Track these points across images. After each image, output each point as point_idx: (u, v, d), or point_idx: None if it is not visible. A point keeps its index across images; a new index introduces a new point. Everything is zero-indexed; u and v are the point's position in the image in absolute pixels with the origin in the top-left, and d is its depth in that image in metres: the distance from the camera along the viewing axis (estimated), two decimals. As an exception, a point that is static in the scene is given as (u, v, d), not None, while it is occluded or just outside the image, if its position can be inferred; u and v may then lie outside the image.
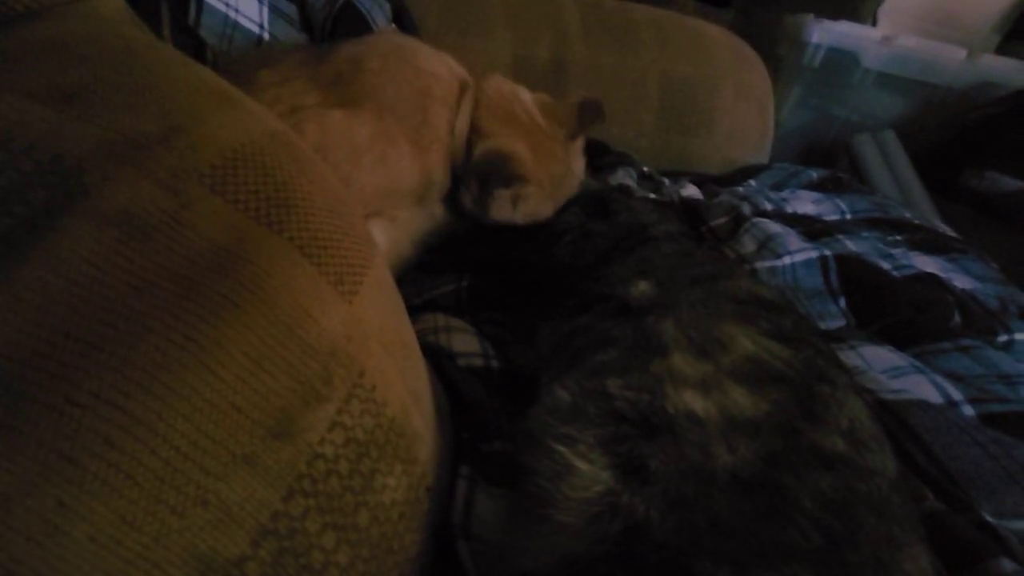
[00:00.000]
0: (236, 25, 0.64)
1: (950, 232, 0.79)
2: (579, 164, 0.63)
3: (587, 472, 0.28)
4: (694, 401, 0.32)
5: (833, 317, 0.56)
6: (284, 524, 0.19)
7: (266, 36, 0.69)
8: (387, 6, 0.89)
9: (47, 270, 0.19)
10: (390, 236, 0.54)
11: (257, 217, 0.26)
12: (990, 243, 0.80)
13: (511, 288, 0.53)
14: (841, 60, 1.29)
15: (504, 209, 0.56)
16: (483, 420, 0.39)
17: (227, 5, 0.63)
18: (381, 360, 0.27)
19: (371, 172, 0.52)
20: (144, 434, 0.17)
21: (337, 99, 0.52)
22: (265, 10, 0.70)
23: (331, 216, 0.30)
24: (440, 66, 0.59)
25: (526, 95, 0.62)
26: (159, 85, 0.27)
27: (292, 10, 0.76)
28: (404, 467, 0.26)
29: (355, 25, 0.82)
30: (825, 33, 1.24)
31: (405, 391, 0.28)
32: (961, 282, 0.62)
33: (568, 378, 0.36)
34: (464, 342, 0.46)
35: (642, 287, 0.42)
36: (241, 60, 0.56)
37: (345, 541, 0.21)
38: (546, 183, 0.57)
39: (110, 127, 0.23)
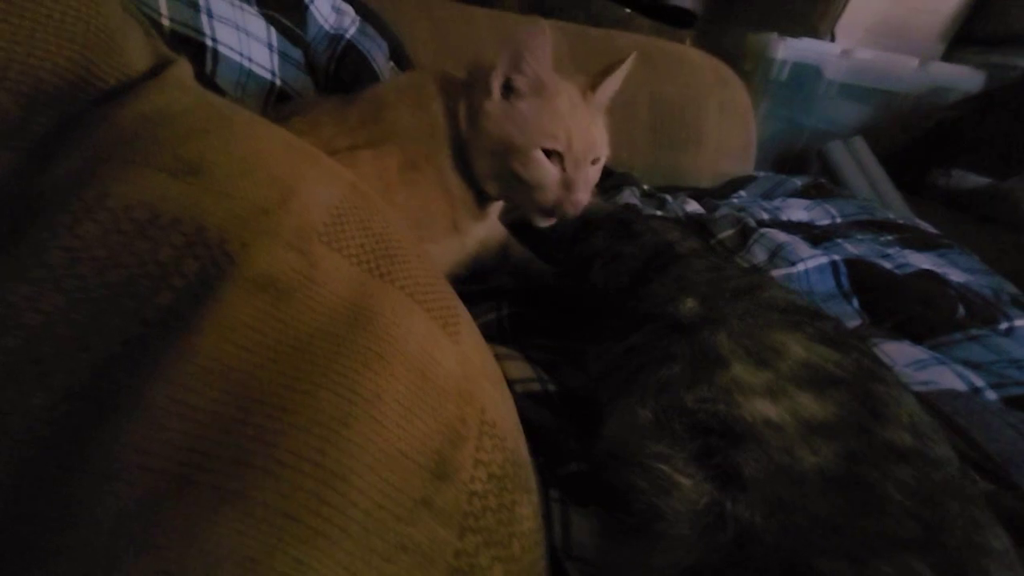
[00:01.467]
0: (250, 73, 0.66)
1: (932, 229, 0.85)
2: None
3: (691, 486, 0.29)
4: (767, 408, 0.34)
5: (850, 318, 0.59)
6: (465, 561, 0.20)
7: (278, 82, 0.70)
8: (385, 45, 0.91)
9: (220, 339, 0.20)
10: None
11: (371, 270, 0.27)
12: (962, 237, 0.87)
13: (552, 314, 0.55)
14: (806, 73, 1.37)
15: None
16: (555, 444, 0.40)
17: (241, 55, 0.65)
18: (492, 395, 0.28)
19: (406, 204, 0.53)
20: (344, 488, 0.18)
21: (364, 139, 0.54)
22: (275, 56, 0.71)
23: (421, 261, 0.32)
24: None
25: None
26: (261, 149, 0.28)
27: (298, 54, 0.77)
28: (528, 496, 0.27)
29: (357, 65, 0.84)
30: (789, 49, 1.33)
31: (512, 422, 0.30)
32: (955, 275, 0.67)
33: (641, 395, 0.37)
34: (518, 368, 0.48)
35: (689, 304, 0.44)
36: (273, 112, 0.57)
37: (509, 573, 0.22)
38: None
39: (235, 195, 0.25)
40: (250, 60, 0.66)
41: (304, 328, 0.22)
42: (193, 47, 0.58)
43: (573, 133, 0.51)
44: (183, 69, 0.34)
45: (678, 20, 1.64)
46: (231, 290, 0.21)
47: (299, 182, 0.27)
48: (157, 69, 0.32)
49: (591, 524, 0.34)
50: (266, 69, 0.69)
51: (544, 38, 0.48)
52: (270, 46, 0.70)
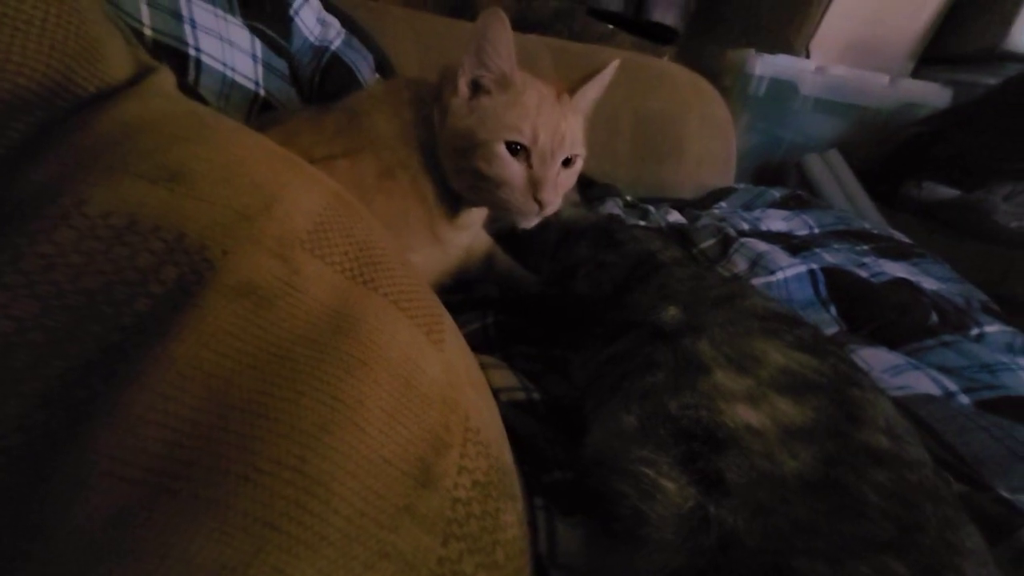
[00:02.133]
0: (234, 83, 0.65)
1: (905, 239, 0.88)
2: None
3: (675, 490, 0.30)
4: (748, 414, 0.34)
5: (827, 325, 0.61)
6: (448, 568, 0.20)
7: (261, 92, 0.70)
8: (370, 57, 0.92)
9: (200, 346, 0.20)
10: None
11: (353, 277, 0.27)
12: (933, 246, 0.89)
13: (537, 323, 0.55)
14: (782, 89, 1.41)
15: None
16: (540, 452, 0.40)
17: (224, 65, 0.65)
18: (476, 402, 0.28)
19: (383, 212, 0.52)
20: (326, 495, 0.18)
21: (341, 148, 0.53)
22: (259, 67, 0.71)
23: (405, 269, 0.32)
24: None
25: None
26: (243, 157, 0.28)
27: (283, 65, 0.77)
28: (512, 503, 0.27)
29: (342, 77, 0.85)
30: (767, 65, 1.37)
31: (496, 429, 0.30)
32: (928, 284, 0.69)
33: (625, 402, 0.38)
34: (502, 377, 0.48)
35: (671, 312, 0.45)
36: (255, 122, 0.57)
37: (493, 580, 0.22)
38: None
39: (217, 202, 0.24)
40: (233, 70, 0.66)
41: (286, 335, 0.22)
42: (176, 57, 0.58)
43: (540, 128, 0.49)
44: (165, 77, 0.34)
45: (659, 36, 1.67)
46: (211, 297, 0.21)
47: (282, 189, 0.27)
48: (138, 77, 0.32)
49: (577, 532, 0.34)
50: (250, 79, 0.68)
51: (502, 25, 0.47)
52: (254, 57, 0.70)
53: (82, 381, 0.18)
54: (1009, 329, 0.61)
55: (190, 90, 0.60)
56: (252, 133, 0.32)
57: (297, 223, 0.26)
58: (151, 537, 0.15)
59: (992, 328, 0.61)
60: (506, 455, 0.29)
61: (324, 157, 0.52)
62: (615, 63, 0.56)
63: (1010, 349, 0.59)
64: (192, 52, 0.59)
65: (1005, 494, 0.39)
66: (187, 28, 0.59)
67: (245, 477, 0.17)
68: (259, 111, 0.69)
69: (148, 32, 0.55)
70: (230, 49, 0.66)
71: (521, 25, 1.45)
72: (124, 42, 0.35)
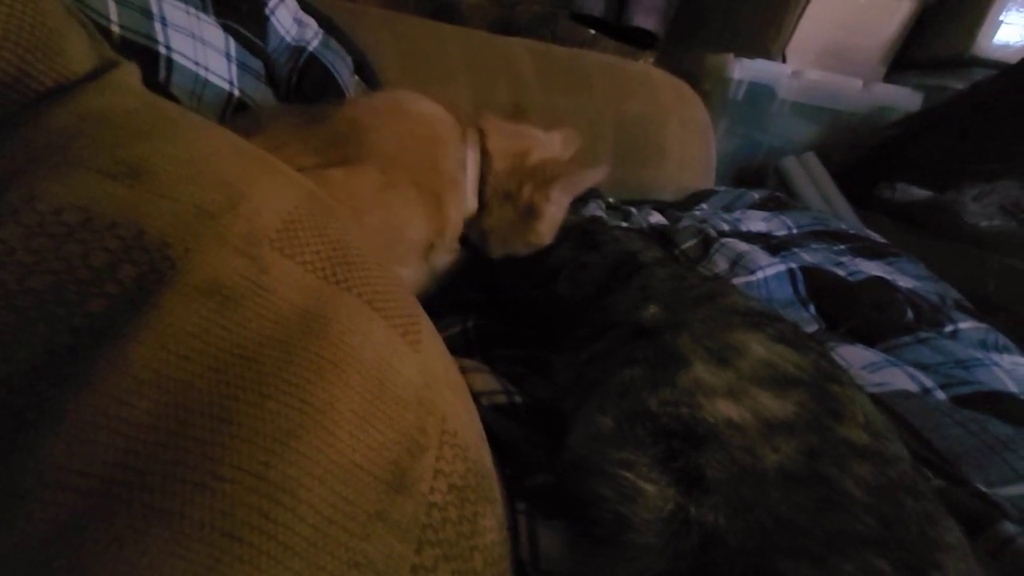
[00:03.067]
0: (206, 83, 0.64)
1: (881, 239, 0.89)
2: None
3: (655, 492, 0.29)
4: (728, 409, 0.34)
5: (807, 323, 0.61)
6: (423, 576, 0.19)
7: (236, 92, 0.68)
8: (349, 59, 0.91)
9: (158, 348, 0.19)
10: None
11: (325, 277, 0.26)
12: (908, 246, 0.91)
13: (518, 325, 0.55)
14: (760, 93, 1.44)
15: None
16: (523, 456, 0.39)
17: (196, 64, 0.63)
18: (454, 404, 0.28)
19: (380, 225, 0.52)
20: (291, 502, 0.17)
21: (337, 158, 0.52)
22: (234, 67, 0.70)
23: (381, 269, 0.31)
24: (440, 111, 0.60)
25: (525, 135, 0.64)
26: (209, 154, 0.27)
27: (258, 64, 0.76)
28: (492, 507, 0.26)
29: (320, 78, 0.83)
30: (745, 70, 1.39)
31: (475, 432, 0.29)
32: (904, 282, 0.70)
33: (602, 402, 0.37)
34: (484, 381, 0.47)
35: (652, 310, 0.45)
36: (231, 124, 0.56)
37: (471, 587, 0.21)
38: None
39: (180, 198, 0.23)
40: (206, 69, 0.64)
41: (252, 336, 0.21)
42: (146, 55, 0.57)
43: None
44: (129, 72, 0.32)
45: (640, 41, 1.69)
46: (172, 297, 0.20)
47: (250, 187, 0.26)
48: (99, 71, 0.30)
49: (559, 537, 0.33)
50: (223, 79, 0.67)
51: None
52: (228, 56, 0.69)
53: (28, 387, 0.17)
54: (982, 325, 0.63)
55: (161, 89, 0.58)
56: (220, 129, 0.31)
57: (266, 221, 0.25)
58: (99, 552, 0.14)
59: (966, 325, 0.62)
60: (485, 458, 0.29)
61: (315, 166, 0.51)
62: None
63: (983, 345, 0.60)
64: (163, 50, 0.58)
65: (982, 488, 0.39)
66: (157, 26, 0.57)
67: (203, 485, 0.16)
68: (234, 111, 0.68)
69: (116, 29, 0.54)
70: (203, 48, 0.64)
71: (504, 31, 1.45)
72: (86, 36, 0.34)
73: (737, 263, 0.67)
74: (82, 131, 0.24)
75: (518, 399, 0.47)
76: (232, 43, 0.70)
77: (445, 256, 0.59)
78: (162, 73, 0.58)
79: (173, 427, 0.17)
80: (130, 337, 0.18)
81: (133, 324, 0.19)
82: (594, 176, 0.64)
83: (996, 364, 0.54)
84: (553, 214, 0.60)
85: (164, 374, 0.18)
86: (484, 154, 0.59)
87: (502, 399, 0.46)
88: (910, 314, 0.61)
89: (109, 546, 0.14)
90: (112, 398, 0.17)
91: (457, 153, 0.57)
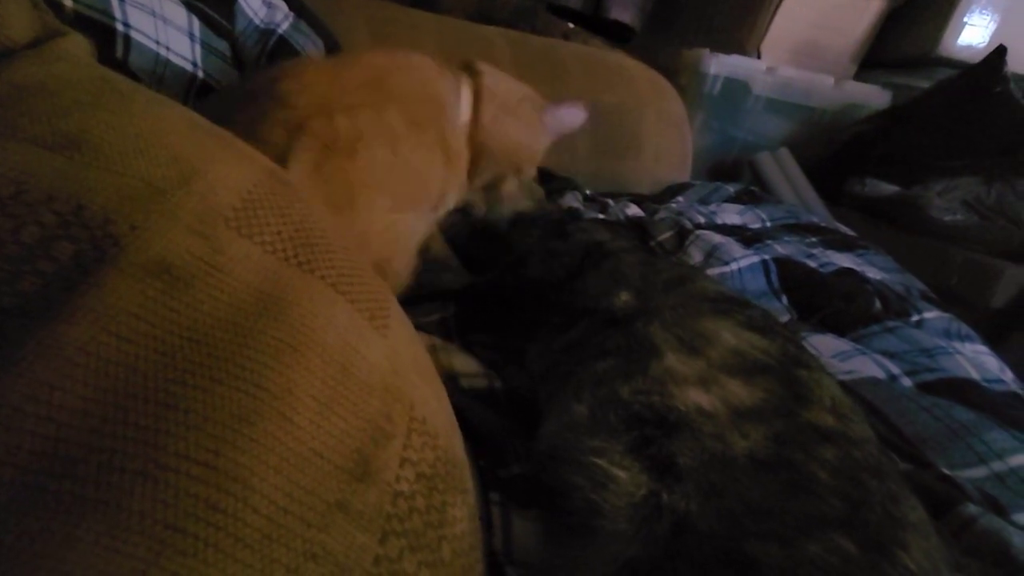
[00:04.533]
0: (168, 63, 0.61)
1: (850, 232, 0.91)
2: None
3: (627, 479, 0.29)
4: (699, 397, 0.34)
5: (779, 313, 0.62)
6: (386, 568, 0.18)
7: (200, 74, 0.66)
8: (320, 42, 0.88)
9: (97, 329, 0.17)
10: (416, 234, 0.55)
11: (287, 258, 0.25)
12: (876, 239, 0.94)
13: (495, 313, 0.54)
14: (735, 88, 1.45)
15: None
16: (498, 445, 0.39)
17: (157, 43, 0.60)
18: (423, 391, 0.27)
19: (415, 159, 0.53)
20: (243, 491, 0.16)
21: (365, 100, 0.52)
22: (197, 47, 0.67)
23: (347, 252, 0.30)
24: (436, 73, 0.61)
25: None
26: (160, 128, 0.26)
27: (224, 46, 0.73)
28: (462, 497, 0.25)
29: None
30: (721, 65, 1.40)
31: (445, 419, 0.28)
32: (872, 273, 0.72)
33: (577, 391, 0.37)
34: (464, 362, 0.46)
35: (624, 297, 0.45)
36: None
37: (437, 578, 0.20)
38: None
39: (126, 173, 0.22)
40: (168, 49, 0.61)
41: (204, 318, 0.20)
42: (102, 32, 0.54)
43: None
44: (75, 43, 0.30)
45: (617, 35, 1.69)
46: (114, 276, 0.19)
47: (205, 163, 0.25)
48: (41, 40, 0.28)
49: (533, 526, 0.33)
50: (186, 59, 0.64)
51: None
52: (191, 36, 0.66)
53: (-53, 371, 0.15)
54: (946, 315, 0.64)
55: (119, 68, 0.55)
56: (175, 104, 0.30)
57: (221, 199, 0.24)
58: (20, 549, 0.13)
59: (930, 314, 0.64)
60: (456, 446, 0.28)
61: (345, 106, 0.50)
62: None
63: (947, 334, 0.62)
64: (120, 27, 0.55)
65: (946, 471, 0.40)
66: (114, 1, 0.55)
67: (144, 474, 0.15)
68: (197, 93, 0.65)
69: (69, 3, 0.51)
70: (164, 26, 0.61)
71: (483, 23, 1.43)
72: (28, 5, 0.31)
73: (712, 255, 0.67)
74: (17, 99, 0.22)
75: (498, 384, 0.46)
76: (196, 23, 0.67)
77: (450, 204, 0.61)
78: (119, 51, 0.55)
79: (111, 413, 0.16)
80: (64, 318, 0.17)
81: (68, 304, 0.17)
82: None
83: (959, 352, 0.55)
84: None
85: (102, 357, 0.17)
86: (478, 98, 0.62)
87: (482, 383, 0.45)
88: (878, 304, 0.63)
89: (33, 541, 0.13)
90: (41, 382, 0.15)
91: (454, 116, 0.60)
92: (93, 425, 0.15)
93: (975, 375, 0.53)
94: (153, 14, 0.60)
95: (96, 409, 0.16)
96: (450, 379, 0.43)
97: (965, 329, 0.63)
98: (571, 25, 1.80)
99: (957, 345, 0.58)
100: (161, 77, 0.60)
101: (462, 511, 0.24)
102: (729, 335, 0.39)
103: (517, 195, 0.66)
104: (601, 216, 0.81)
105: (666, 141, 1.09)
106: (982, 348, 0.61)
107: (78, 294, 0.18)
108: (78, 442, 0.15)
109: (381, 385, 0.24)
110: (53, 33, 0.30)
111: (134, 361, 0.17)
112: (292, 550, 0.16)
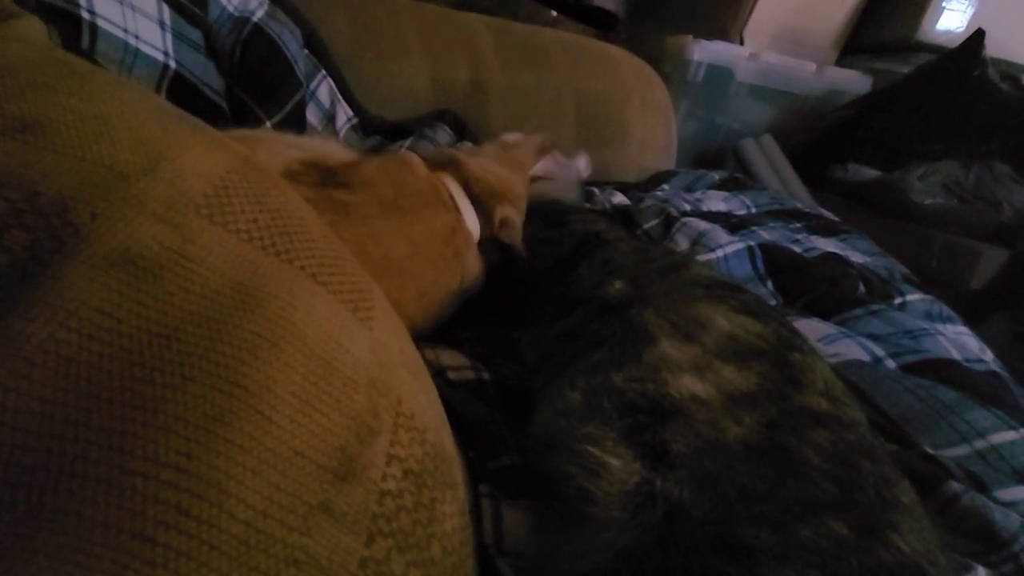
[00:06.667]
0: (137, 52, 0.59)
1: (833, 217, 0.92)
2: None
3: (620, 466, 0.29)
4: (693, 384, 0.34)
5: (766, 298, 0.62)
6: (373, 570, 0.18)
7: (172, 64, 0.64)
8: (298, 31, 0.86)
9: (56, 326, 0.16)
10: None
11: (264, 247, 0.24)
12: (859, 223, 0.94)
13: (486, 305, 0.53)
14: (719, 75, 1.45)
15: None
16: (488, 436, 0.38)
17: (125, 31, 0.58)
18: (410, 385, 0.26)
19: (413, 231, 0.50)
20: (217, 496, 0.15)
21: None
22: (169, 36, 0.64)
23: (328, 241, 0.29)
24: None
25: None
26: (124, 111, 0.24)
27: (197, 35, 0.70)
28: (452, 492, 0.25)
29: (266, 52, 0.78)
30: (704, 52, 1.39)
31: (434, 414, 0.27)
32: (855, 257, 0.72)
33: (572, 379, 0.36)
34: (452, 356, 0.46)
35: (617, 286, 0.44)
36: None
37: (428, 576, 0.20)
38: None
39: (87, 158, 0.21)
40: (137, 38, 0.59)
41: (174, 312, 0.19)
42: (66, 20, 0.51)
43: None
44: (31, 25, 0.29)
45: (601, 22, 1.68)
46: (75, 267, 0.17)
47: (173, 149, 0.24)
48: (-8, 21, 0.26)
49: (524, 517, 0.33)
50: (157, 49, 0.62)
51: None
52: (162, 24, 0.63)
53: None
54: (927, 297, 0.65)
55: (86, 58, 0.53)
56: (139, 88, 0.28)
57: (191, 185, 0.23)
58: (-28, 563, 0.12)
59: (913, 297, 0.64)
60: (445, 441, 0.27)
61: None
62: None
63: (929, 316, 0.62)
64: (86, 15, 0.52)
65: (929, 450, 0.41)
66: (79, -12, 0.52)
67: (108, 481, 0.14)
68: (170, 85, 0.63)
69: (29, -12, 0.48)
70: (132, 14, 0.59)
71: (467, 8, 1.40)
72: (-21, -16, 0.29)
73: (698, 242, 0.67)
74: (-37, 81, 0.21)
75: (486, 376, 0.45)
76: (167, 11, 0.64)
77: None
78: (85, 40, 0.53)
79: (73, 416, 0.15)
80: (20, 313, 0.16)
81: (25, 298, 0.16)
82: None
83: (941, 333, 0.56)
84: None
85: (63, 355, 0.16)
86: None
87: (471, 375, 0.45)
88: (862, 288, 0.63)
89: (-14, 556, 0.12)
90: (-5, 384, 0.14)
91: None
92: (53, 429, 0.14)
93: (956, 355, 0.54)
94: (121, 2, 0.58)
95: (56, 411, 0.15)
96: (438, 373, 0.42)
97: (946, 311, 0.64)
98: (554, 13, 1.78)
99: (939, 326, 0.59)
100: (131, 68, 0.58)
101: (452, 507, 0.24)
102: (723, 320, 0.39)
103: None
104: (587, 205, 0.80)
105: (651, 129, 1.09)
106: (963, 329, 0.62)
107: (35, 287, 0.17)
108: (36, 448, 0.14)
109: (366, 379, 0.23)
110: (6, 15, 0.29)
111: (98, 359, 0.16)
112: (272, 556, 0.15)
